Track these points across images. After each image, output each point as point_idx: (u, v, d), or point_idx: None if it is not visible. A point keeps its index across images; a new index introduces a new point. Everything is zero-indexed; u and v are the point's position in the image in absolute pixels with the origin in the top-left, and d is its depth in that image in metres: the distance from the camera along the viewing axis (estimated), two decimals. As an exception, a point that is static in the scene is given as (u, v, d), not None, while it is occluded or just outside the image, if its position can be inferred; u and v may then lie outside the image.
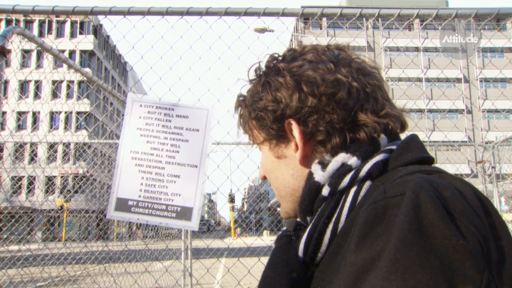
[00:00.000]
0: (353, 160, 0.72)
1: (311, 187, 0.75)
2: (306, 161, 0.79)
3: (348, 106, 0.75)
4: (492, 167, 5.69)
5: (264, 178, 0.92)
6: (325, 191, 0.72)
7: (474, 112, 40.92)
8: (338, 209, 0.70)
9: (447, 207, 0.52)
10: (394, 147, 0.74)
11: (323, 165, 0.75)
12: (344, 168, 0.72)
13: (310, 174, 0.76)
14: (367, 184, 0.70)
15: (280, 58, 0.85)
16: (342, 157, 0.73)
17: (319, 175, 0.74)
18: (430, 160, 0.72)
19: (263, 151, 0.88)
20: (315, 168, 0.76)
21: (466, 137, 37.65)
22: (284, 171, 0.83)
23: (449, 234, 0.49)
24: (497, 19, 2.48)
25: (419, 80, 40.68)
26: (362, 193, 0.69)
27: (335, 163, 0.73)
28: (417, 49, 41.60)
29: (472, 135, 38.57)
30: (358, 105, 0.75)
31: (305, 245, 0.74)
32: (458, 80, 41.31)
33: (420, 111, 40.46)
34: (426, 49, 41.47)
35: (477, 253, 0.48)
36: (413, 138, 0.76)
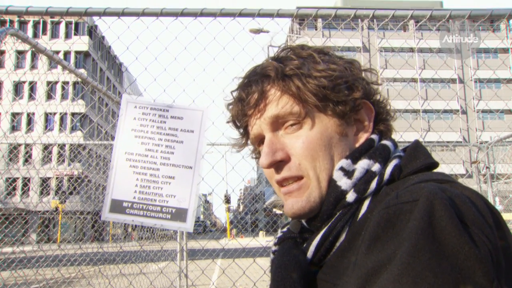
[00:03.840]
0: (376, 167, 0.74)
1: (337, 196, 0.74)
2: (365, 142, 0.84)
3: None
4: (487, 167, 5.72)
5: (274, 162, 0.79)
6: (351, 197, 0.73)
7: (468, 112, 41.12)
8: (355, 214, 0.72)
9: (460, 215, 0.53)
10: (402, 153, 0.78)
11: (346, 172, 0.75)
12: (369, 175, 0.74)
13: (333, 182, 0.75)
14: (382, 190, 0.72)
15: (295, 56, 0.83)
16: (366, 164, 0.75)
17: (345, 183, 0.74)
18: (435, 165, 0.75)
19: (317, 122, 0.79)
20: (338, 175, 0.76)
21: (460, 137, 37.82)
22: (338, 149, 0.79)
23: (461, 242, 0.49)
24: (491, 20, 2.49)
25: (414, 80, 40.83)
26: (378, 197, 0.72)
27: (361, 169, 0.75)
28: (411, 50, 41.76)
29: (466, 136, 38.75)
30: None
31: (317, 248, 0.74)
32: (452, 80, 41.52)
33: (415, 111, 40.61)
34: (421, 50, 41.65)
35: (487, 262, 0.49)
36: (418, 144, 0.79)
